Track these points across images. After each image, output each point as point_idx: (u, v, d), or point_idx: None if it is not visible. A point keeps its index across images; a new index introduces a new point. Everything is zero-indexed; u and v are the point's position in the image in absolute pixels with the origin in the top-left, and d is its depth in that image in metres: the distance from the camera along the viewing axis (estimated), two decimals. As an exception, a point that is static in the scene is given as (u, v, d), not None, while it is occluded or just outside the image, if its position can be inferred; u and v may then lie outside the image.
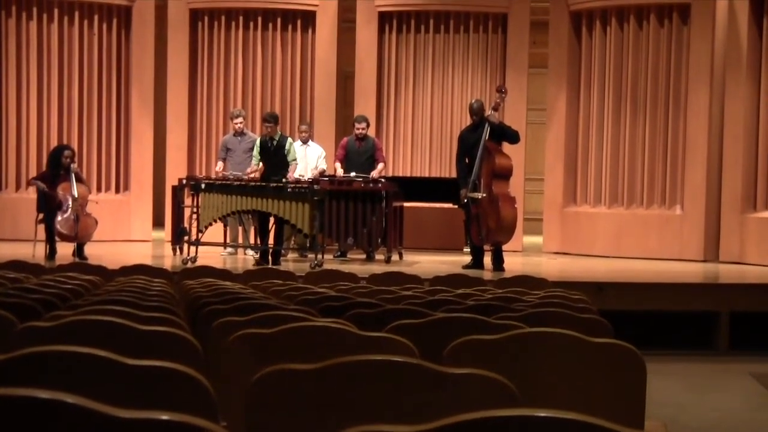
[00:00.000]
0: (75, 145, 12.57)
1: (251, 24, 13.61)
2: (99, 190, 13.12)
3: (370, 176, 10.97)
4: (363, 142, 11.41)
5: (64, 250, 10.21)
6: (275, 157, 10.41)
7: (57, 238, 10.16)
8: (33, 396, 1.55)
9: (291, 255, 11.30)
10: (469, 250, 10.85)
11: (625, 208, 12.50)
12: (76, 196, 10.21)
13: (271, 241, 10.42)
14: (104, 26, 13.44)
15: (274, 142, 10.44)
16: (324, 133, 13.04)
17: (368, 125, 11.57)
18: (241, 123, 11.52)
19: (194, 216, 10.32)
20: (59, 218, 10.08)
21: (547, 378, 2.97)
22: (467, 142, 10.22)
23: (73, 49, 13.33)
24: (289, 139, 10.67)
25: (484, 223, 9.99)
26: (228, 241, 11.35)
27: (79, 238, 10.14)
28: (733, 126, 11.77)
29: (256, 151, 10.64)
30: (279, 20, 13.59)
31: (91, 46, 13.39)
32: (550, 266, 11.51)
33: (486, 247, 10.24)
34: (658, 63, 12.29)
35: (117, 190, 13.56)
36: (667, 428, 3.70)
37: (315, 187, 9.95)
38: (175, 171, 12.68)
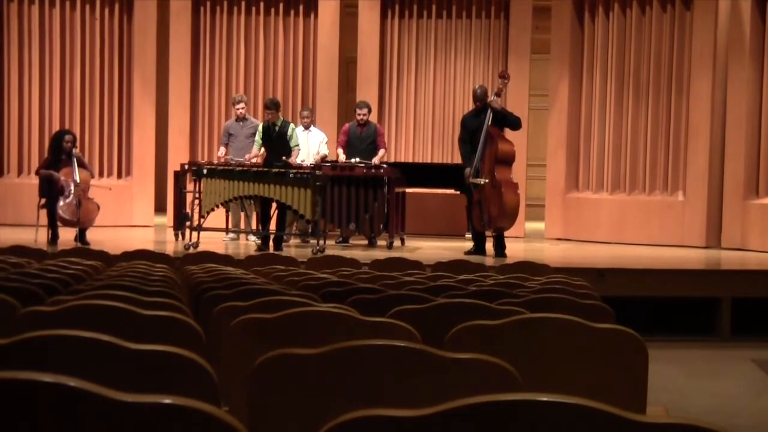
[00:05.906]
0: (77, 130, 12.57)
1: (253, 9, 13.59)
2: (101, 175, 13.11)
3: (372, 162, 10.96)
4: (365, 127, 11.39)
5: (66, 235, 10.21)
6: (277, 142, 10.39)
7: (59, 223, 10.16)
8: (35, 380, 1.55)
9: (293, 241, 11.29)
10: (471, 236, 10.85)
11: (627, 194, 12.49)
12: (78, 181, 10.21)
13: (273, 226, 10.41)
14: (106, 11, 13.42)
15: (276, 128, 10.43)
16: (326, 118, 13.04)
17: (370, 111, 11.55)
18: (243, 108, 11.51)
19: (196, 201, 10.33)
20: (61, 203, 10.08)
21: (549, 363, 2.96)
22: (469, 127, 10.19)
23: (75, 33, 13.31)
24: (291, 125, 10.64)
25: (486, 209, 9.98)
26: (230, 226, 11.37)
27: (81, 223, 10.15)
28: (735, 112, 11.74)
29: (258, 137, 10.62)
30: (281, 5, 13.57)
31: (93, 31, 13.38)
32: (552, 252, 11.50)
33: (488, 233, 10.24)
34: (660, 48, 12.26)
35: (119, 175, 13.56)
36: (669, 414, 3.70)
37: (317, 172, 9.93)
38: (177, 156, 12.68)
